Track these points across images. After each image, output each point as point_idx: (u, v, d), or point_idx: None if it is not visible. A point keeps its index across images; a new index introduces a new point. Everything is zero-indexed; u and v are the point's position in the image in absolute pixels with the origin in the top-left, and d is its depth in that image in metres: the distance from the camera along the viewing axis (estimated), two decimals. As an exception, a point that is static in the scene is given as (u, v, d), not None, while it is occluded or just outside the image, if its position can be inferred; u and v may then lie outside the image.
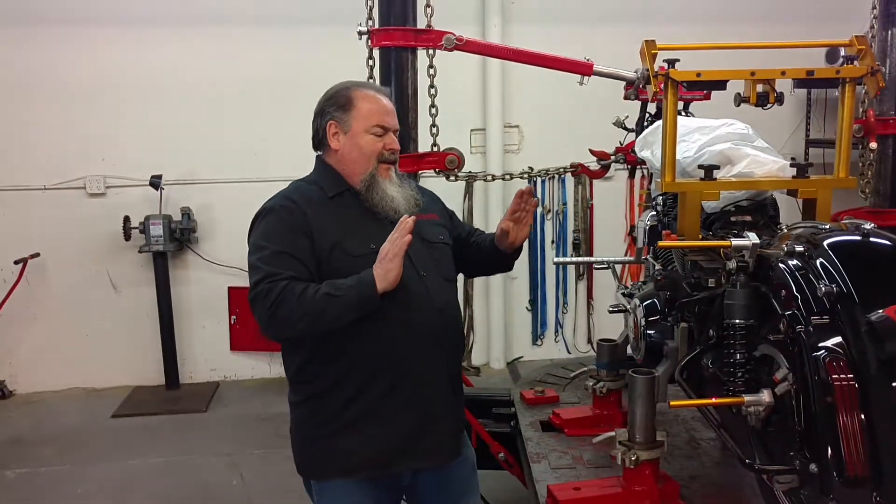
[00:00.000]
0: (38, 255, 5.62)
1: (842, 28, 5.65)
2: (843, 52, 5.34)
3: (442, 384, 2.35)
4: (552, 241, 6.15)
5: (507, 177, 4.90)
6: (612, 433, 2.60)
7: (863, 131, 3.61)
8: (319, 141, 2.40)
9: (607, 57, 3.49)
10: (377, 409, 2.24)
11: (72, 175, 5.70)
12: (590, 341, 6.37)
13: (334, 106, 2.36)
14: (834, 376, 1.59)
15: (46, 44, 5.57)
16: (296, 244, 2.19)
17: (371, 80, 3.33)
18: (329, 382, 2.26)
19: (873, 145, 3.59)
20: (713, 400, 1.94)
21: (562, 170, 3.91)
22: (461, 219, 5.90)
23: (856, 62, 2.40)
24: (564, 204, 6.11)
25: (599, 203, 5.94)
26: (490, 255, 2.57)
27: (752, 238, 1.99)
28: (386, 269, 2.10)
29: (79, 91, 5.64)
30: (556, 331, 6.35)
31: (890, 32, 3.54)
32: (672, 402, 1.98)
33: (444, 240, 2.45)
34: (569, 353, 6.32)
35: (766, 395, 1.88)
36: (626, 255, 6.12)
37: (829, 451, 1.59)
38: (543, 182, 6.04)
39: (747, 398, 1.90)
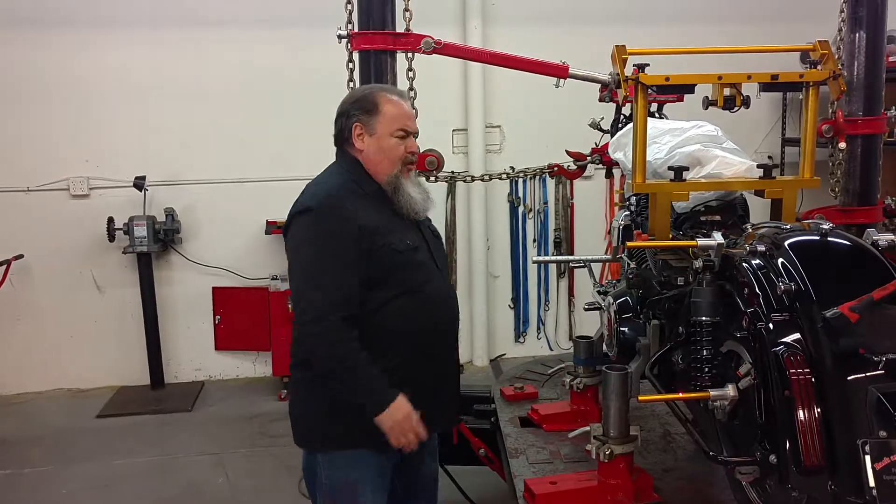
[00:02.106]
0: (21, 256, 5.61)
1: (816, 28, 5.79)
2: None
3: (452, 361, 2.63)
4: (534, 240, 6.22)
5: (486, 177, 4.96)
6: (588, 428, 2.67)
7: (832, 132, 3.70)
8: (344, 140, 2.49)
9: (587, 58, 3.55)
10: (411, 382, 2.38)
11: (55, 177, 5.70)
12: (571, 338, 6.45)
13: (360, 109, 2.45)
14: (791, 371, 1.67)
15: (28, 45, 5.57)
16: (347, 254, 2.31)
17: (351, 84, 3.38)
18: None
19: (842, 145, 3.68)
20: (680, 395, 2.01)
21: (539, 170, 3.94)
22: (444, 219, 5.99)
23: (819, 66, 2.48)
24: (546, 203, 6.18)
25: (580, 202, 6.03)
26: None
27: (717, 238, 2.06)
28: (391, 424, 2.31)
29: (61, 92, 5.64)
30: (539, 328, 6.41)
31: (858, 35, 3.62)
32: (641, 397, 2.06)
33: (440, 238, 2.67)
34: (551, 349, 6.38)
35: (730, 390, 1.96)
36: (605, 253, 6.23)
37: (788, 443, 1.66)
38: (525, 182, 6.12)
39: (713, 393, 1.97)
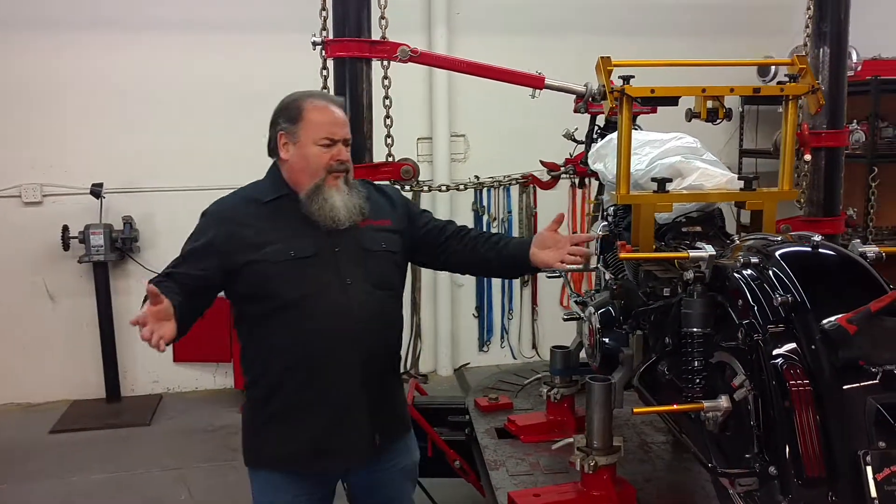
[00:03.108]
0: (-30, 265, 5.42)
1: (767, 42, 5.98)
2: (772, 69, 5.62)
3: (355, 389, 2.37)
4: (498, 249, 6.21)
5: (443, 188, 4.94)
6: (571, 439, 2.66)
7: (798, 144, 3.77)
8: (272, 149, 2.46)
9: (549, 68, 3.55)
10: (292, 406, 2.36)
11: (6, 183, 5.52)
12: (534, 347, 6.49)
13: (284, 117, 2.40)
14: (791, 382, 1.67)
15: (-22, 48, 5.39)
16: (202, 255, 2.33)
17: (325, 90, 3.32)
18: (257, 374, 2.41)
19: (808, 157, 3.76)
20: (675, 406, 2.00)
21: (512, 180, 3.93)
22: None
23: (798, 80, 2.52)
24: (510, 212, 6.21)
25: (543, 211, 6.05)
26: (489, 262, 2.61)
27: (708, 249, 2.07)
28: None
29: (13, 96, 5.47)
30: (502, 337, 6.43)
31: (822, 50, 3.71)
32: (636, 409, 2.05)
33: (386, 248, 2.46)
34: (514, 358, 6.42)
35: (723, 401, 1.96)
36: (568, 262, 6.29)
37: (788, 454, 1.67)
38: (489, 191, 6.13)
39: (706, 404, 1.97)
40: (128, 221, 5.55)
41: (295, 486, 2.41)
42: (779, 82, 2.56)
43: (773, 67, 5.54)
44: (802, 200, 3.94)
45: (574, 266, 2.56)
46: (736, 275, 1.94)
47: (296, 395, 2.35)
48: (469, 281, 6.27)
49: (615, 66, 2.47)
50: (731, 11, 6.20)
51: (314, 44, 3.30)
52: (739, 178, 2.57)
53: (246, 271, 2.31)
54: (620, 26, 5.99)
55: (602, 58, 2.46)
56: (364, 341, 2.36)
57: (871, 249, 1.99)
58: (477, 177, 5.78)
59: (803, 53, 2.52)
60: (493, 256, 2.59)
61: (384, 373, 2.50)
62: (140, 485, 4.46)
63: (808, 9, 3.74)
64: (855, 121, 4.81)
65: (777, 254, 1.93)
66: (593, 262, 3.59)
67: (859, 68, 5.01)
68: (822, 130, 3.78)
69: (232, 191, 2.52)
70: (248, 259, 2.30)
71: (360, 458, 2.45)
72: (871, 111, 5.16)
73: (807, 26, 3.76)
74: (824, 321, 1.71)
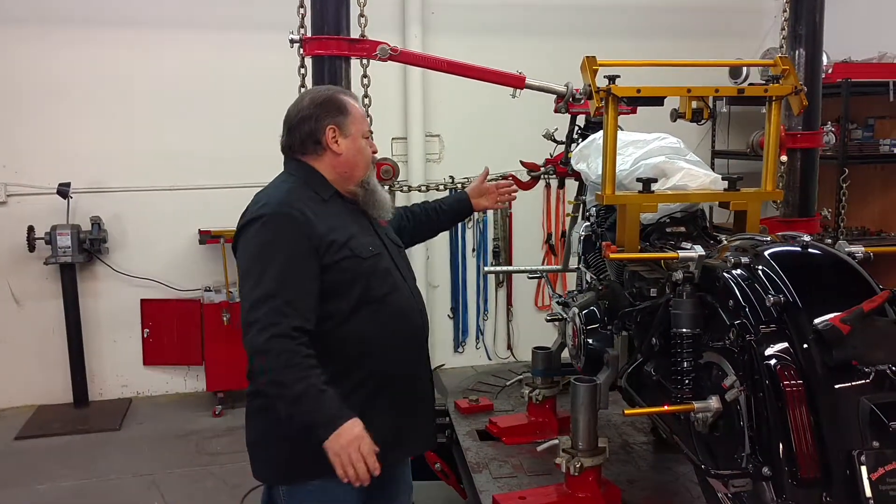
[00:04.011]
0: (-69, 267, 5.26)
1: (737, 45, 6.05)
2: (745, 70, 5.68)
3: (427, 378, 2.49)
4: (473, 250, 6.22)
5: (423, 188, 4.93)
6: (556, 441, 2.65)
7: (774, 145, 3.80)
8: (308, 145, 2.34)
9: (522, 69, 3.51)
10: (371, 407, 2.23)
11: (-32, 183, 5.37)
12: (510, 348, 6.48)
13: (330, 111, 2.34)
14: (785, 383, 1.67)
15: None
16: (303, 265, 2.17)
17: (303, 89, 3.27)
18: (329, 377, 2.17)
19: (784, 158, 3.78)
20: (666, 407, 1.99)
21: (490, 180, 3.90)
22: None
23: (780, 81, 2.53)
24: (484, 213, 6.19)
25: (518, 212, 6.05)
26: (440, 222, 2.94)
27: (698, 250, 2.06)
28: (337, 449, 2.05)
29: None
30: (478, 338, 6.41)
31: (798, 52, 3.74)
32: (627, 411, 2.04)
33: (401, 244, 2.57)
34: (489, 359, 6.40)
35: (714, 402, 1.96)
36: (542, 263, 6.29)
37: (782, 455, 1.67)
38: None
39: (697, 405, 1.96)
40: (96, 222, 5.42)
41: (342, 487, 2.17)
42: (751, 84, 2.58)
43: (744, 69, 5.59)
44: (779, 201, 3.97)
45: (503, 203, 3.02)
46: (726, 275, 1.94)
47: (381, 391, 2.29)
48: (444, 282, 6.25)
49: (600, 65, 2.45)
50: (700, 15, 6.25)
51: (292, 41, 3.25)
52: (724, 179, 2.58)
53: (337, 268, 2.21)
54: (593, 28, 6.00)
55: (587, 57, 2.45)
56: (425, 332, 2.46)
57: (859, 250, 2.00)
58: (452, 177, 5.78)
59: (778, 56, 2.52)
60: (445, 219, 2.95)
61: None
62: (111, 492, 4.35)
63: (784, 11, 3.77)
64: (830, 122, 4.87)
65: (766, 254, 1.93)
66: (573, 263, 3.59)
67: (830, 71, 5.07)
68: (797, 132, 3.81)
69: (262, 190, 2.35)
70: (342, 256, 2.22)
71: (426, 445, 2.62)
72: (841, 113, 5.22)
73: (783, 28, 3.79)
74: (817, 321, 1.71)
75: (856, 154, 5.40)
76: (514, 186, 3.01)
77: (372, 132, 2.49)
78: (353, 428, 2.07)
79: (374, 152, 2.46)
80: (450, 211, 2.93)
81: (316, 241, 2.19)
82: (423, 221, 2.87)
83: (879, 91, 5.25)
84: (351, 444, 2.05)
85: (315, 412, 2.08)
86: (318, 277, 2.19)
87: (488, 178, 3.01)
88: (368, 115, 3.42)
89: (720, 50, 5.93)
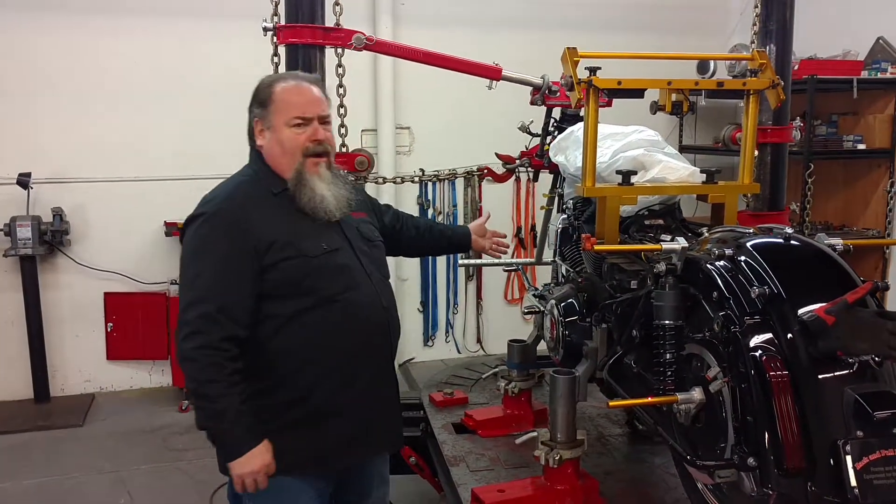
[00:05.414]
0: None
1: (705, 41, 6.13)
2: (712, 64, 5.74)
3: (390, 377, 2.43)
4: (443, 243, 6.18)
5: (399, 180, 4.92)
6: (534, 433, 2.64)
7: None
8: (251, 138, 2.33)
9: (491, 62, 3.50)
10: (332, 405, 2.23)
11: (-76, 173, 5.20)
12: (479, 341, 6.48)
13: (256, 102, 2.30)
14: (771, 373, 1.68)
15: None
16: (238, 266, 2.12)
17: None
18: (276, 380, 2.20)
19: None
20: (650, 399, 1.99)
21: (462, 172, 3.90)
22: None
23: (758, 75, 2.55)
24: (454, 206, 6.18)
25: (488, 204, 6.04)
26: (441, 246, 2.98)
27: (681, 242, 2.07)
28: (239, 472, 2.12)
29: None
30: (447, 331, 6.39)
31: (769, 48, 3.77)
32: (611, 403, 2.03)
33: (378, 238, 2.47)
34: (459, 353, 6.39)
35: (697, 393, 1.97)
36: (512, 256, 6.30)
37: (768, 445, 1.68)
38: (434, 184, 6.10)
39: (680, 396, 1.97)
40: (58, 213, 5.29)
41: (304, 484, 2.26)
42: (719, 81, 2.60)
43: (711, 63, 5.65)
44: (749, 194, 4.00)
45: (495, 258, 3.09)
46: (710, 267, 1.94)
47: (338, 391, 2.23)
48: (414, 275, 6.22)
49: (582, 56, 2.44)
50: (665, 11, 6.28)
51: (265, 29, 3.18)
52: (702, 172, 2.59)
53: (280, 268, 2.14)
54: (563, 21, 6.00)
55: (568, 49, 2.44)
56: (391, 331, 2.36)
57: (838, 242, 2.02)
58: (422, 170, 5.76)
59: (755, 50, 2.54)
60: (445, 244, 2.96)
61: (395, 360, 2.54)
62: (76, 490, 4.25)
63: (756, 7, 3.80)
64: (798, 118, 4.94)
65: (749, 245, 1.94)
66: (548, 256, 3.59)
67: (796, 67, 5.13)
68: (768, 126, 3.85)
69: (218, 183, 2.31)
70: (285, 255, 2.14)
71: (393, 445, 2.51)
72: (806, 109, 5.30)
73: (754, 24, 3.82)
74: (801, 312, 1.72)
75: (820, 150, 5.48)
76: (506, 245, 3.05)
77: (320, 117, 2.26)
78: (260, 455, 2.12)
79: (316, 140, 2.25)
80: (455, 242, 2.95)
81: (254, 240, 2.13)
82: (427, 240, 2.85)
83: (843, 88, 5.33)
84: (253, 473, 2.12)
85: (227, 433, 2.12)
86: (255, 278, 2.13)
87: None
88: (344, 106, 3.43)
89: (685, 46, 5.99)
